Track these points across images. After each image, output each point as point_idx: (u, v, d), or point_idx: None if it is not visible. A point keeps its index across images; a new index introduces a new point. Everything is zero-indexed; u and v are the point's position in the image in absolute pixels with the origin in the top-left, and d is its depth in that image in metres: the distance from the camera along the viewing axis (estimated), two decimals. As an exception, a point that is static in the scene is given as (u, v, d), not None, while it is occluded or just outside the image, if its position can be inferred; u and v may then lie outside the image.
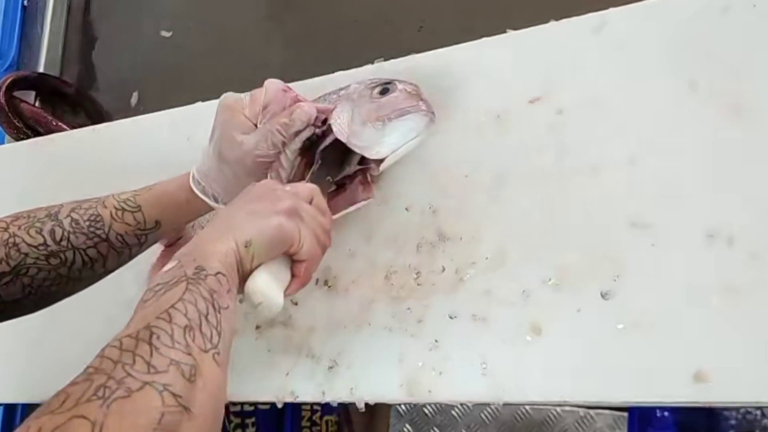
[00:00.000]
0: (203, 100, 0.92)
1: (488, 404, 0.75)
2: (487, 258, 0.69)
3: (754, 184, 0.60)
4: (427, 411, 1.34)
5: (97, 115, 1.27)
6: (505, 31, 0.75)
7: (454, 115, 0.74)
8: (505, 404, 0.66)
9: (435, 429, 1.33)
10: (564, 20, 0.72)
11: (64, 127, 1.19)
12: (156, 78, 1.25)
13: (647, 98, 0.66)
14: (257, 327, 0.79)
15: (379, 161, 0.71)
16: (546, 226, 0.67)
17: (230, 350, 0.49)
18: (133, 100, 1.25)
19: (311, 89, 0.78)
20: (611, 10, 0.70)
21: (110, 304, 0.91)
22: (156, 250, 0.88)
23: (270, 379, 0.76)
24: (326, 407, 1.46)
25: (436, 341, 0.69)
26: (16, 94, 1.22)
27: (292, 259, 0.59)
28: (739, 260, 0.59)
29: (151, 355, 0.42)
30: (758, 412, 1.23)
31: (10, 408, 1.13)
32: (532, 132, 0.70)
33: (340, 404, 0.74)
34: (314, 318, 0.75)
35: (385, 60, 0.81)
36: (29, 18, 1.36)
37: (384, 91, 0.70)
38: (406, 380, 0.69)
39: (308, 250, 0.58)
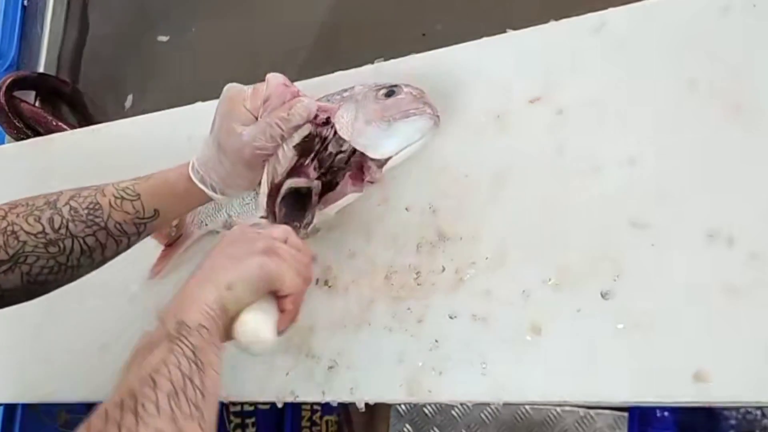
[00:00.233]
0: (202, 100, 0.92)
1: (488, 404, 0.76)
2: (487, 258, 0.69)
3: (754, 184, 0.60)
4: (427, 411, 1.34)
5: (92, 116, 1.26)
6: (505, 31, 0.75)
7: (454, 115, 0.74)
8: (505, 404, 0.66)
9: (435, 429, 1.33)
10: (564, 20, 0.72)
11: (64, 127, 1.19)
12: (150, 82, 1.26)
13: (647, 98, 0.66)
14: (257, 327, 0.79)
15: (382, 163, 0.71)
16: (546, 226, 0.67)
17: (216, 407, 0.49)
18: (127, 103, 1.26)
19: (311, 89, 0.78)
20: (611, 10, 0.70)
21: (111, 303, 0.91)
22: (156, 251, 0.88)
23: (270, 379, 0.76)
24: (326, 407, 1.46)
25: (436, 341, 0.69)
26: (16, 94, 1.22)
27: (277, 297, 0.59)
28: (739, 260, 0.59)
29: (137, 425, 0.42)
30: (758, 412, 1.23)
31: (10, 408, 1.13)
32: (532, 132, 0.70)
33: (340, 404, 0.74)
34: (314, 318, 0.75)
35: (385, 60, 0.81)
36: (29, 18, 1.36)
37: (389, 94, 0.70)
38: (406, 380, 0.69)
39: (292, 285, 0.58)
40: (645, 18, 0.68)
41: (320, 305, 0.75)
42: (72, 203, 0.66)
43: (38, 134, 1.19)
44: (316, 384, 0.74)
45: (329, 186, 0.74)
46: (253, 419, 1.36)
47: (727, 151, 0.62)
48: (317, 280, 0.76)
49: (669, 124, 0.64)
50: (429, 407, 1.34)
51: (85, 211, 0.66)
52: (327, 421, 1.46)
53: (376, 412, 1.41)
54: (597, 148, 0.67)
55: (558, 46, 0.71)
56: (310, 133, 0.68)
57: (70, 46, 1.37)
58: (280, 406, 0.76)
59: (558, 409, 1.25)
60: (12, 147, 1.16)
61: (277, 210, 0.69)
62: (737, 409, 1.23)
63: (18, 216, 0.64)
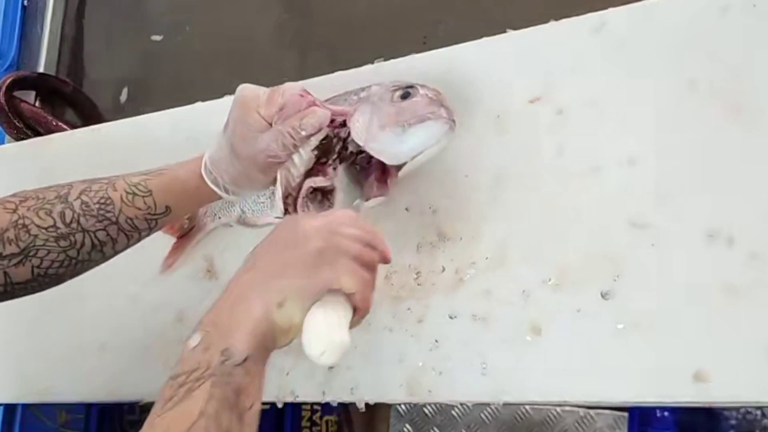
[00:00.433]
0: (202, 100, 0.92)
1: (488, 404, 0.75)
2: (487, 258, 0.69)
3: (754, 184, 0.60)
4: (427, 411, 1.34)
5: (92, 116, 1.26)
6: (505, 31, 0.75)
7: (454, 115, 0.74)
8: (505, 404, 0.66)
9: (435, 429, 1.33)
10: (564, 20, 0.72)
11: (64, 127, 1.19)
12: (149, 81, 1.26)
13: (647, 98, 0.66)
14: (257, 327, 0.79)
15: (398, 167, 0.69)
16: (546, 226, 0.67)
17: None
18: (122, 97, 1.26)
19: (310, 89, 0.78)
20: (611, 10, 0.70)
21: (111, 303, 0.91)
22: (167, 244, 0.88)
23: (270, 379, 0.75)
24: (326, 407, 1.46)
25: (436, 341, 0.69)
26: (16, 94, 1.22)
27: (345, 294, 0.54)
28: (739, 260, 0.59)
29: None
30: (758, 412, 1.23)
31: (10, 408, 1.13)
32: (532, 132, 0.70)
33: (340, 404, 0.74)
34: (314, 318, 0.75)
35: (385, 60, 0.81)
36: (29, 18, 1.36)
37: (405, 95, 0.68)
38: (406, 380, 0.69)
39: (352, 283, 0.53)
40: (645, 18, 0.68)
41: (320, 305, 0.75)
42: (83, 197, 0.66)
43: (38, 134, 1.19)
44: (316, 384, 0.74)
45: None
46: (253, 419, 1.35)
47: (727, 151, 0.62)
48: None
49: (669, 124, 0.64)
50: (429, 407, 1.34)
51: (96, 206, 0.66)
52: (327, 421, 1.46)
53: (376, 412, 1.41)
54: (597, 148, 0.67)
55: (558, 46, 0.71)
56: (327, 136, 0.68)
57: (70, 46, 1.37)
58: (280, 406, 0.76)
59: (558, 409, 1.25)
60: (12, 147, 1.16)
61: (301, 209, 0.68)
62: (737, 409, 1.23)
63: (29, 209, 0.64)
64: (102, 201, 0.66)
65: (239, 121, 0.65)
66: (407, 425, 1.35)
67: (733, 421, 1.24)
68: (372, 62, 0.82)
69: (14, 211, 0.64)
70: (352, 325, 0.54)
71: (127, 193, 0.67)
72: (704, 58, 0.64)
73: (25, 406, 1.14)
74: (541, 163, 0.69)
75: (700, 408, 1.20)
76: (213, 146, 0.68)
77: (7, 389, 0.96)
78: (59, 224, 0.64)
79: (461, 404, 1.22)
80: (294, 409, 1.40)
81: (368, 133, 0.68)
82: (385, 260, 0.58)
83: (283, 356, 0.76)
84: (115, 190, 0.67)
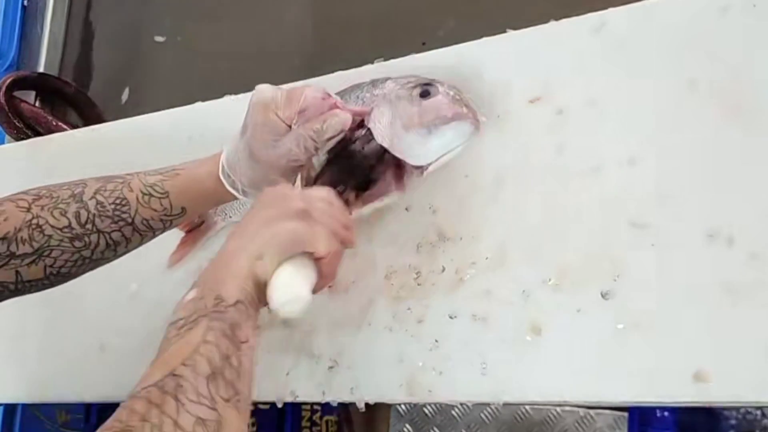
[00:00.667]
0: (202, 100, 0.92)
1: (488, 404, 0.76)
2: (487, 258, 0.69)
3: (754, 184, 0.60)
4: (427, 411, 1.34)
5: (92, 116, 1.26)
6: (505, 31, 0.75)
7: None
8: (505, 404, 0.66)
9: (435, 429, 1.33)
10: (564, 20, 0.72)
11: (64, 127, 1.19)
12: (148, 81, 1.26)
13: (647, 98, 0.66)
14: (257, 326, 0.79)
15: (421, 168, 0.69)
16: (546, 226, 0.67)
17: (251, 383, 0.50)
18: (124, 96, 1.26)
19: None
20: (611, 10, 0.70)
21: (111, 303, 0.91)
22: (167, 242, 0.87)
23: (270, 379, 0.76)
24: (326, 407, 1.45)
25: (436, 341, 0.69)
26: (16, 94, 1.22)
27: (314, 258, 0.58)
28: (739, 260, 0.59)
29: (178, 413, 0.43)
30: (758, 412, 1.23)
31: (10, 408, 1.13)
32: (532, 132, 0.70)
33: (340, 404, 0.74)
34: (314, 318, 0.75)
35: (385, 60, 0.81)
36: (29, 18, 1.36)
37: (425, 94, 0.68)
38: (406, 380, 0.69)
39: (326, 246, 0.57)
40: (645, 18, 0.68)
41: (320, 305, 0.75)
42: (98, 197, 0.65)
43: (38, 134, 1.19)
44: (316, 384, 0.74)
45: (366, 184, 0.72)
46: (253, 419, 1.36)
47: (727, 151, 0.62)
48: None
49: (669, 124, 0.64)
50: (429, 407, 1.34)
51: (112, 206, 0.65)
52: (327, 421, 1.46)
53: (376, 412, 1.41)
54: (597, 148, 0.67)
55: (558, 46, 0.71)
56: (343, 137, 0.67)
57: (70, 46, 1.37)
58: (280, 406, 0.76)
59: (558, 409, 1.25)
60: (12, 147, 1.16)
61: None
62: (737, 409, 1.23)
63: (42, 209, 0.64)
64: (117, 202, 0.65)
65: (259, 125, 0.64)
66: (407, 425, 1.35)
67: (733, 421, 1.24)
68: (372, 62, 0.82)
69: (28, 210, 0.63)
70: (316, 289, 0.57)
71: (143, 194, 0.66)
72: (704, 58, 0.64)
73: (25, 406, 1.14)
74: (541, 163, 0.69)
75: (700, 408, 1.20)
76: (229, 148, 0.67)
77: (7, 389, 0.96)
78: (74, 225, 0.64)
79: (461, 404, 1.22)
80: (294, 409, 1.40)
81: (392, 134, 0.67)
82: (351, 245, 0.62)
83: (283, 356, 0.76)
84: (130, 191, 0.66)
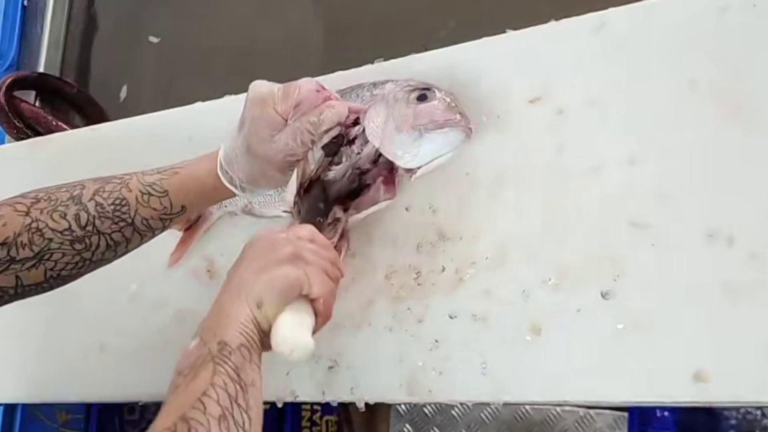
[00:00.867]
0: (202, 100, 0.92)
1: (488, 404, 0.76)
2: (487, 258, 0.69)
3: (754, 184, 0.60)
4: (427, 411, 1.34)
5: (94, 116, 1.26)
6: (505, 31, 0.75)
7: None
8: (505, 404, 0.66)
9: (435, 429, 1.33)
10: (564, 20, 0.72)
11: (64, 127, 1.19)
12: (148, 81, 1.26)
13: (647, 98, 0.66)
14: (257, 327, 0.79)
15: (411, 171, 0.70)
16: (546, 226, 0.67)
17: (260, 423, 0.51)
18: (122, 94, 1.27)
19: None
20: (611, 10, 0.70)
21: (111, 303, 0.91)
22: (167, 242, 0.87)
23: (270, 379, 0.75)
24: (326, 407, 1.46)
25: (436, 341, 0.69)
26: (16, 94, 1.22)
27: (310, 300, 0.59)
28: (739, 260, 0.59)
29: None
30: (758, 412, 1.23)
31: (10, 408, 1.13)
32: (532, 132, 0.70)
33: (340, 404, 0.74)
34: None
35: (385, 60, 0.81)
36: (29, 18, 1.36)
37: (422, 98, 0.68)
38: (406, 380, 0.69)
39: (320, 287, 0.58)
40: (645, 18, 0.68)
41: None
42: (97, 198, 0.65)
43: (38, 134, 1.19)
44: (316, 384, 0.74)
45: (359, 190, 0.73)
46: (253, 419, 1.35)
47: (727, 151, 0.62)
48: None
49: (669, 124, 0.64)
50: (429, 407, 1.34)
51: (111, 207, 0.65)
52: (327, 421, 1.46)
53: (376, 412, 1.41)
54: (597, 148, 0.67)
55: (558, 46, 0.71)
56: (339, 134, 0.68)
57: (70, 46, 1.37)
58: (280, 406, 0.76)
59: (558, 409, 1.25)
60: (12, 147, 1.16)
61: (299, 205, 0.70)
62: (737, 409, 1.23)
63: (42, 212, 0.63)
64: (117, 202, 0.65)
65: (256, 120, 0.65)
66: (407, 425, 1.35)
67: (733, 421, 1.24)
68: (372, 62, 0.82)
69: (27, 214, 0.63)
70: (315, 330, 0.59)
71: (142, 193, 0.66)
72: (704, 58, 0.64)
73: (25, 406, 1.14)
74: (541, 163, 0.69)
75: (700, 408, 1.20)
76: (227, 145, 0.68)
77: (7, 389, 0.96)
78: (74, 227, 0.64)
79: (461, 404, 1.22)
80: (294, 409, 1.40)
81: (384, 135, 0.67)
82: (341, 277, 0.64)
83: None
84: (129, 191, 0.66)
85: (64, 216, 0.64)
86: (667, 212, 0.62)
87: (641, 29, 0.68)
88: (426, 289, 0.71)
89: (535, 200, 0.68)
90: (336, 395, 0.73)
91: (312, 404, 1.43)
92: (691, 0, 0.66)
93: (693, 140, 0.63)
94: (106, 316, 0.91)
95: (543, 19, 0.73)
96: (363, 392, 0.71)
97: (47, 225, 0.63)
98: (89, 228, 0.64)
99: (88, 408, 1.27)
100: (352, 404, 0.73)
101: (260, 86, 0.66)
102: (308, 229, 0.63)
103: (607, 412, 1.22)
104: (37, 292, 0.66)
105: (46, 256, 0.63)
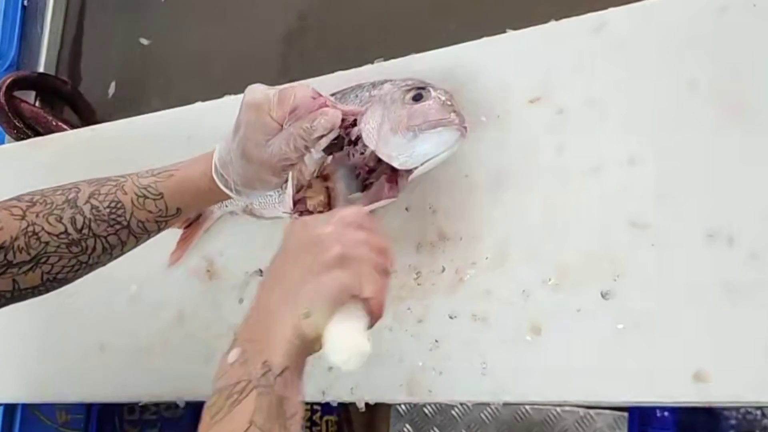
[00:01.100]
0: (202, 100, 0.92)
1: (488, 404, 0.76)
2: (487, 258, 0.69)
3: (754, 184, 0.60)
4: (427, 411, 1.34)
5: (91, 116, 1.26)
6: (505, 31, 0.75)
7: (454, 115, 0.74)
8: (505, 404, 0.66)
9: (435, 429, 1.33)
10: (564, 20, 0.72)
11: (64, 127, 1.19)
12: (148, 81, 1.26)
13: (647, 98, 0.66)
14: (257, 327, 0.79)
15: (408, 171, 0.69)
16: (546, 226, 0.67)
17: None
18: (111, 90, 1.27)
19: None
20: (611, 10, 0.70)
21: (111, 303, 0.91)
22: (166, 242, 0.87)
23: (270, 379, 0.76)
24: (326, 407, 1.45)
25: (436, 341, 0.69)
26: (16, 94, 1.22)
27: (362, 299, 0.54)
28: (739, 260, 0.59)
29: None
30: (758, 412, 1.23)
31: (10, 408, 1.13)
32: (532, 132, 0.70)
33: (340, 404, 0.74)
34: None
35: (385, 60, 0.81)
36: (29, 18, 1.36)
37: (417, 97, 0.67)
38: (406, 380, 0.69)
39: (371, 287, 0.54)
40: (645, 18, 0.68)
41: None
42: (92, 201, 0.65)
43: (38, 134, 1.19)
44: (316, 384, 0.74)
45: (363, 186, 0.73)
46: (253, 419, 1.35)
47: (727, 151, 0.62)
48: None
49: (669, 124, 0.64)
50: (429, 407, 1.34)
51: (107, 210, 0.65)
52: (327, 421, 1.46)
53: (376, 412, 1.41)
54: (597, 148, 0.67)
55: (558, 46, 0.71)
56: (338, 136, 0.67)
57: (70, 46, 1.37)
58: (280, 406, 0.76)
59: (558, 409, 1.25)
60: (12, 147, 1.16)
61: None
62: (737, 409, 1.23)
63: (38, 216, 0.63)
64: (112, 205, 0.65)
65: (251, 126, 0.64)
66: (407, 425, 1.35)
67: (733, 421, 1.24)
68: (372, 62, 0.82)
69: (23, 217, 0.63)
70: (368, 327, 0.55)
71: (138, 196, 0.66)
72: (704, 58, 0.64)
73: (25, 406, 1.14)
74: (541, 163, 0.69)
75: (700, 408, 1.20)
76: (222, 148, 0.67)
77: (7, 389, 0.96)
78: (70, 230, 0.64)
79: (461, 404, 1.22)
80: (294, 409, 1.40)
81: (379, 136, 0.67)
82: (392, 265, 0.59)
83: (283, 356, 0.76)
84: (125, 193, 0.66)
85: (60, 219, 0.64)
86: (667, 212, 0.62)
87: (641, 29, 0.68)
88: (426, 289, 0.71)
89: (535, 200, 0.68)
90: (336, 395, 0.73)
91: (312, 404, 1.43)
92: (691, 0, 0.66)
93: (693, 140, 0.63)
94: (106, 316, 0.91)
95: (543, 19, 0.73)
96: (363, 392, 0.71)
97: (43, 228, 0.63)
98: (85, 231, 0.64)
99: (88, 408, 1.27)
100: (352, 404, 0.73)
101: (256, 91, 0.65)
102: (355, 213, 0.58)
103: (607, 412, 1.21)
104: (34, 295, 0.66)
105: (42, 260, 0.63)
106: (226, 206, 0.83)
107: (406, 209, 0.75)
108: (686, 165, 0.63)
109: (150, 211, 0.66)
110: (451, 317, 0.69)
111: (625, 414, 1.21)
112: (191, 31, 1.25)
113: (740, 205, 0.60)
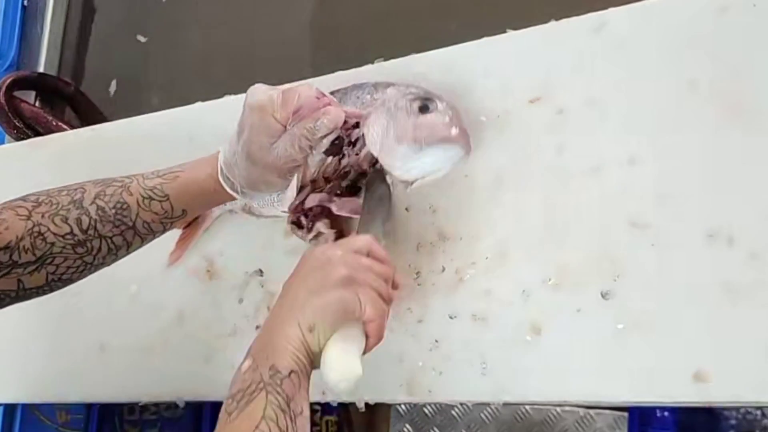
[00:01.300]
0: (202, 100, 0.92)
1: (488, 404, 0.76)
2: (487, 258, 0.69)
3: (754, 184, 0.60)
4: (427, 411, 1.34)
5: (91, 116, 1.26)
6: (505, 31, 0.75)
7: (454, 115, 0.74)
8: (505, 404, 0.66)
9: (435, 429, 1.33)
10: (564, 20, 0.72)
11: (64, 127, 1.19)
12: (148, 81, 1.26)
13: (647, 98, 0.66)
14: (257, 327, 0.79)
15: (407, 183, 0.69)
16: (546, 226, 0.67)
17: None
18: (111, 89, 1.27)
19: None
20: (611, 10, 0.70)
21: (111, 303, 0.91)
22: (166, 243, 0.87)
23: (270, 379, 0.75)
24: (326, 407, 1.46)
25: (436, 341, 0.69)
26: (16, 94, 1.22)
27: (362, 321, 0.59)
28: (739, 260, 0.59)
29: None
30: (758, 412, 1.23)
31: (10, 408, 1.13)
32: (532, 132, 0.70)
33: (340, 404, 0.74)
34: (314, 318, 0.75)
35: (385, 60, 0.81)
36: (29, 18, 1.36)
37: (423, 108, 0.67)
38: (406, 380, 0.69)
39: (371, 311, 0.58)
40: (645, 18, 0.68)
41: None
42: (98, 202, 0.65)
43: (38, 134, 1.19)
44: (316, 384, 0.73)
45: (354, 190, 0.73)
46: (253, 419, 1.35)
47: (727, 151, 0.62)
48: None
49: (669, 124, 0.64)
50: (429, 407, 1.34)
51: (113, 211, 0.65)
52: (327, 421, 1.46)
53: (376, 412, 1.41)
54: (597, 148, 0.67)
55: (558, 46, 0.71)
56: (339, 137, 0.67)
57: (70, 46, 1.37)
58: (280, 406, 0.76)
59: (558, 409, 1.25)
60: (12, 147, 1.16)
61: (307, 227, 0.71)
62: (737, 409, 1.23)
63: (43, 216, 0.63)
64: (118, 206, 0.65)
65: (255, 128, 0.64)
66: (407, 425, 1.35)
67: (733, 421, 1.24)
68: (372, 62, 0.82)
69: (28, 218, 0.63)
70: (365, 351, 0.59)
71: (143, 197, 0.66)
72: (704, 58, 0.64)
73: (25, 406, 1.14)
74: (541, 163, 0.69)
75: (700, 408, 1.20)
76: (227, 150, 0.67)
77: (7, 389, 0.96)
78: (76, 231, 0.64)
79: (461, 404, 1.22)
80: (294, 409, 1.40)
81: (383, 144, 0.67)
82: (397, 295, 0.64)
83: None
84: (130, 194, 0.66)
85: (65, 220, 0.64)
86: (667, 212, 0.62)
87: (641, 29, 0.68)
88: (426, 289, 0.71)
89: (535, 200, 0.68)
90: (336, 395, 0.73)
91: (312, 404, 1.43)
92: (691, 0, 0.66)
93: (693, 140, 0.63)
94: (106, 316, 0.91)
95: (543, 19, 0.73)
96: (363, 392, 0.71)
97: (49, 229, 0.63)
98: (91, 232, 0.64)
99: (88, 408, 1.27)
100: (352, 404, 0.73)
101: (258, 92, 0.64)
102: (364, 241, 0.62)
103: (607, 412, 1.22)
104: (38, 295, 0.66)
105: (47, 260, 0.63)
106: (226, 205, 0.82)
107: (406, 209, 0.75)
108: (686, 165, 0.63)
109: (156, 213, 0.67)
110: (451, 317, 0.69)
111: (625, 414, 1.21)
112: (192, 31, 1.25)
113: (740, 205, 0.60)
